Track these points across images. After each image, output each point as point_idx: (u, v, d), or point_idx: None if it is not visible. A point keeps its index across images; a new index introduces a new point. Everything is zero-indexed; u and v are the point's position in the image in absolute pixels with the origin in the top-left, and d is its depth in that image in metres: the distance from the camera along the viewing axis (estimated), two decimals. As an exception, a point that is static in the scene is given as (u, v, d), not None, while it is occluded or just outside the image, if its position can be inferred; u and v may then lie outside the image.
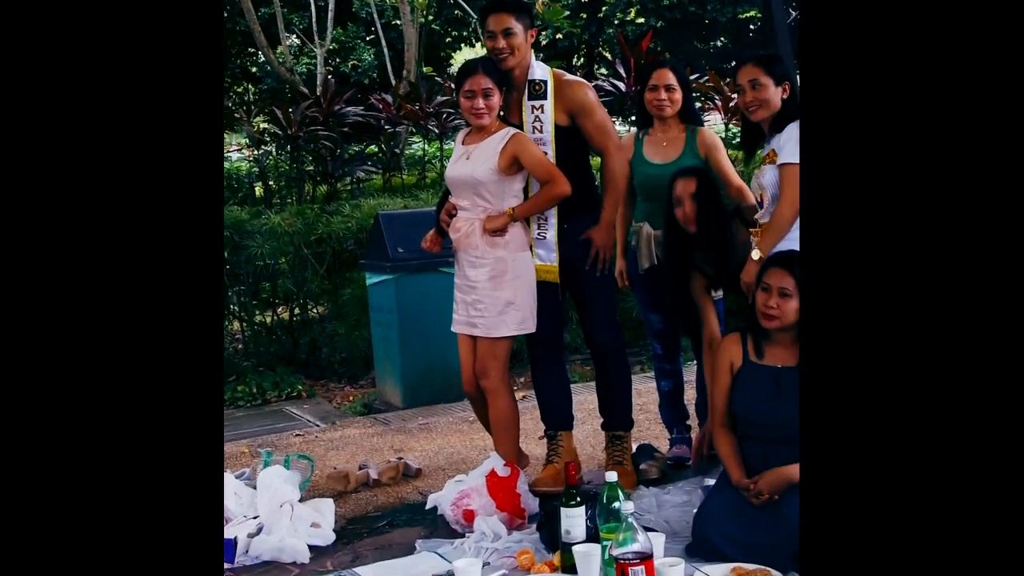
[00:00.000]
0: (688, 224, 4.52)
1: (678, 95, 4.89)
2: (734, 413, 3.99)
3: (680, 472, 5.00)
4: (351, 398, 7.63)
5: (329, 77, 12.49)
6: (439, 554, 4.05)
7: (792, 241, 4.09)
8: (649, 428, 5.81)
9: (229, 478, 4.49)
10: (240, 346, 8.61)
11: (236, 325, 8.70)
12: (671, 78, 4.87)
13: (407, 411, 6.88)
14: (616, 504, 3.47)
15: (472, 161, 4.46)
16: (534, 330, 4.58)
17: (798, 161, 4.06)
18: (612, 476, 3.59)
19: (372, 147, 11.59)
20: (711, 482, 4.66)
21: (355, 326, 7.99)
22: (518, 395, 6.47)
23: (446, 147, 10.20)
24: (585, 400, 5.83)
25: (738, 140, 4.79)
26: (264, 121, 11.04)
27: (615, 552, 3.20)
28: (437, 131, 10.13)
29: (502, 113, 4.56)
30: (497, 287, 4.48)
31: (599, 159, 4.76)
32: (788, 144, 4.17)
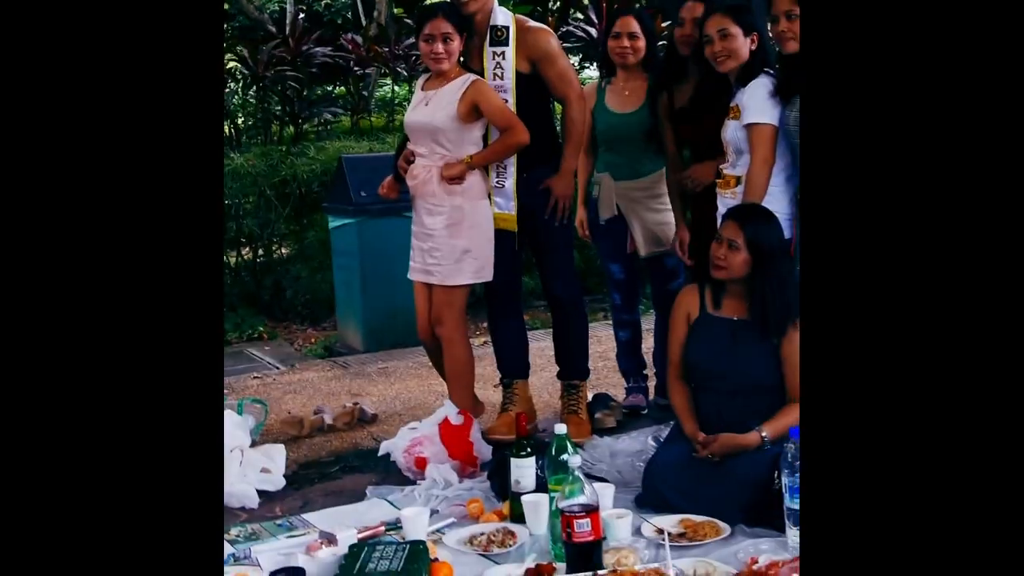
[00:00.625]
0: (683, 46, 4.56)
1: (641, 43, 4.82)
2: (689, 364, 3.98)
3: (635, 421, 5.00)
4: (313, 340, 7.61)
5: (300, 16, 12.32)
6: (389, 501, 4.05)
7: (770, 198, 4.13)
8: (607, 376, 5.81)
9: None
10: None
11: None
12: (635, 26, 4.80)
13: (367, 355, 6.87)
14: (564, 456, 3.46)
15: (431, 107, 4.41)
16: (491, 279, 4.56)
17: (765, 121, 4.10)
18: (561, 428, 3.58)
19: (340, 88, 11.48)
20: (665, 431, 4.69)
21: (318, 268, 7.97)
22: (478, 341, 6.48)
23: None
24: (544, 347, 5.82)
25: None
26: (232, 60, 10.90)
27: (561, 504, 3.20)
28: (407, 73, 10.04)
29: (463, 59, 4.50)
30: (454, 235, 4.44)
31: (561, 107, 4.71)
32: (753, 102, 4.15)
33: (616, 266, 5.15)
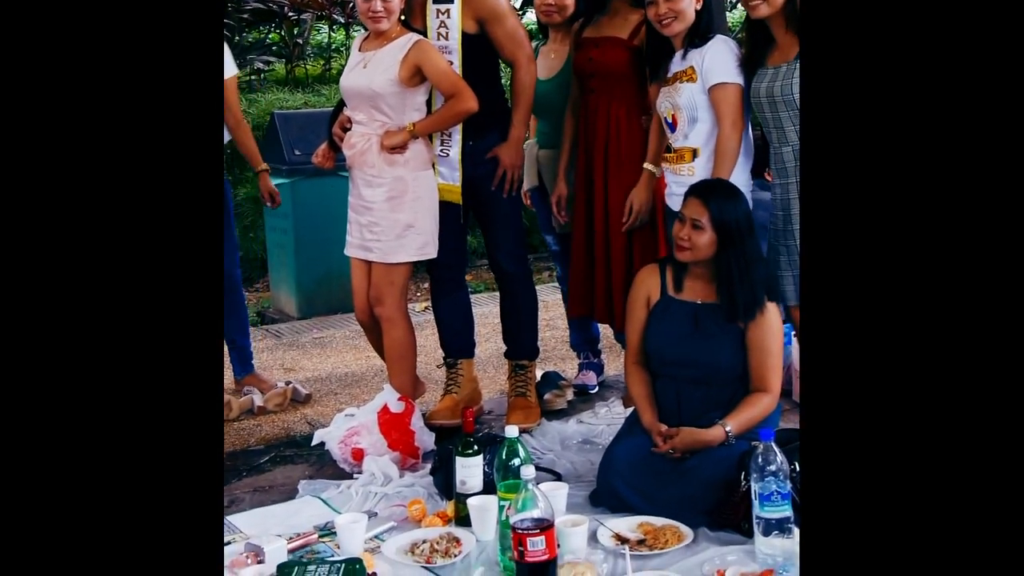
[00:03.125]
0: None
1: (569, 1, 4.50)
2: (648, 350, 3.72)
3: (585, 400, 4.77)
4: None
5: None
6: (323, 499, 3.74)
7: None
8: (555, 348, 5.55)
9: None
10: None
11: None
12: None
13: (301, 322, 6.57)
14: (515, 461, 3.18)
15: (370, 70, 4.06)
16: (435, 255, 4.24)
17: (734, 81, 3.87)
18: (512, 431, 3.27)
19: (274, 34, 11.02)
20: (617, 409, 4.45)
21: (250, 227, 7.62)
22: (419, 306, 6.18)
23: (354, 33, 9.72)
24: (487, 314, 5.51)
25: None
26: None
27: (513, 519, 2.91)
28: (343, 20, 9.64)
29: (404, 17, 4.15)
30: (395, 209, 4.11)
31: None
32: (716, 64, 3.89)
33: (549, 237, 4.92)
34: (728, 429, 3.44)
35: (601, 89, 4.30)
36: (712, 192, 3.61)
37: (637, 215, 4.19)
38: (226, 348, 4.83)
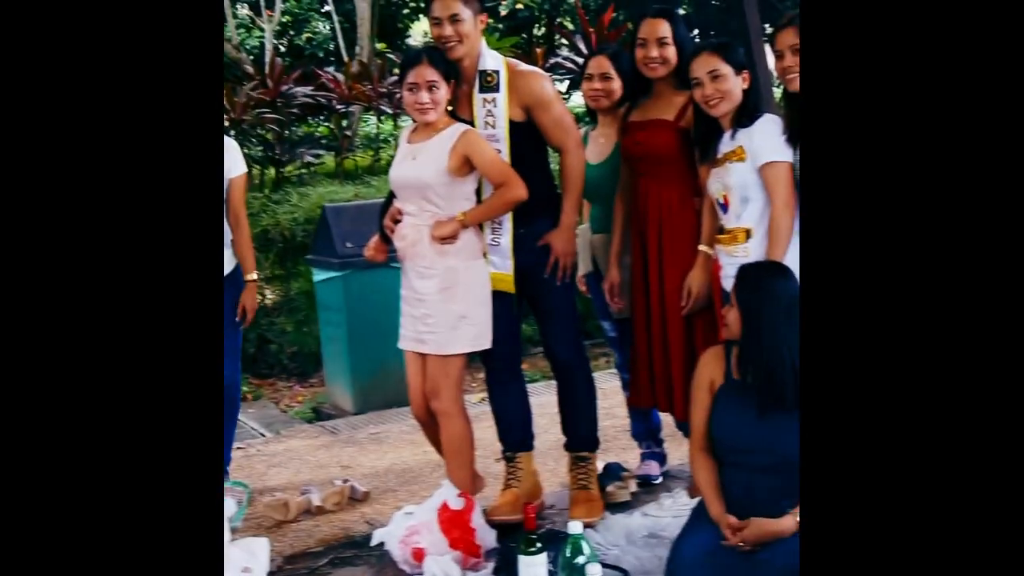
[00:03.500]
0: (644, 67, 4.27)
1: (615, 85, 4.47)
2: (713, 437, 3.59)
3: (650, 491, 4.62)
4: (299, 399, 7.23)
5: (280, 53, 11.98)
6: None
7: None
8: (616, 438, 5.41)
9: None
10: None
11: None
12: (607, 67, 4.47)
13: (358, 417, 6.48)
14: (580, 559, 3.07)
15: (418, 162, 4.03)
16: (490, 346, 4.17)
17: (784, 159, 3.78)
18: (576, 527, 3.17)
19: (323, 127, 11.13)
20: (683, 500, 4.33)
21: (304, 321, 7.61)
22: (476, 397, 6.08)
23: (401, 123, 9.77)
24: (546, 403, 5.40)
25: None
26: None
27: (580, 622, 2.80)
28: (391, 111, 9.70)
29: (451, 108, 4.13)
30: (448, 300, 4.05)
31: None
32: (766, 141, 3.82)
33: (606, 323, 4.84)
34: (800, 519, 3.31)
35: (650, 172, 4.25)
36: (748, 271, 3.54)
37: (695, 299, 4.11)
38: None
